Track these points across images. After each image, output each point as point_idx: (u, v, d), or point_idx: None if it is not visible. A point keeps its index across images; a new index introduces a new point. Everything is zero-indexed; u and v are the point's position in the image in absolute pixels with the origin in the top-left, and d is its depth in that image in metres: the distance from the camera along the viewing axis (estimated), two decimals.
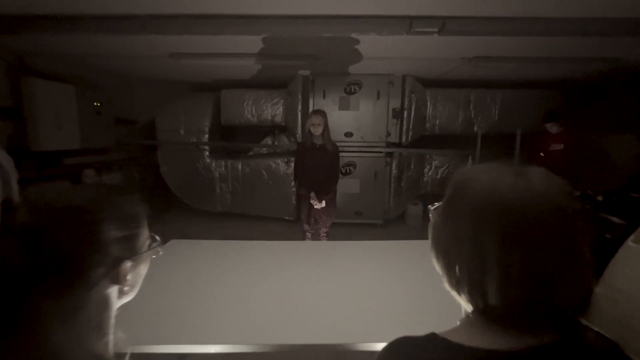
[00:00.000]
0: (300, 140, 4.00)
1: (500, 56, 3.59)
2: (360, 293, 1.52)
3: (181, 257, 1.89)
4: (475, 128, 4.89)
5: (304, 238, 3.24)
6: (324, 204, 2.98)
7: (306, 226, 3.18)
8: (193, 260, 1.85)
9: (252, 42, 3.39)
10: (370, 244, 2.17)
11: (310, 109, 4.73)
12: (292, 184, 5.01)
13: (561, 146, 3.82)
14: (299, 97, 4.85)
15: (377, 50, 3.52)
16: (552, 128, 3.89)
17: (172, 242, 2.06)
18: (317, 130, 2.90)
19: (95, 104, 4.75)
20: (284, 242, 2.18)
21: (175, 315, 1.32)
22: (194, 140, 5.23)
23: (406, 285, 1.60)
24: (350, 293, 1.52)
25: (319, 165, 2.96)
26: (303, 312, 1.35)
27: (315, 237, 3.25)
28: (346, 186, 4.77)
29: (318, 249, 2.14)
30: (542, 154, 3.95)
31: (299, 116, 4.89)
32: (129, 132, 5.58)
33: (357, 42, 3.23)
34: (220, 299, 1.45)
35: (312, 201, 2.97)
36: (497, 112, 4.82)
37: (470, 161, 4.99)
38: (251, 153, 5.63)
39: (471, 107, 4.87)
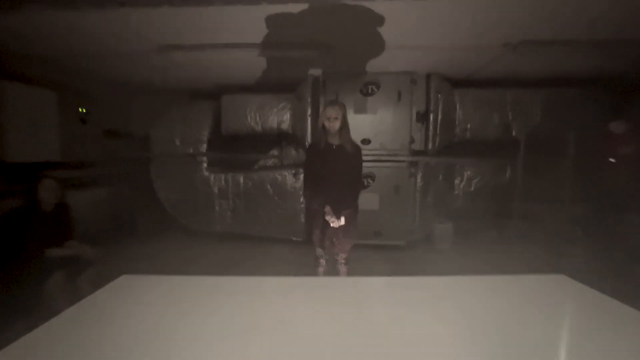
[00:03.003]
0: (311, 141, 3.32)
1: (552, 40, 2.95)
2: None
3: (128, 302, 1.21)
4: (514, 132, 4.20)
5: (316, 266, 2.53)
6: (342, 221, 2.28)
7: (319, 251, 2.47)
8: (144, 307, 1.18)
9: (255, 30, 2.85)
10: (416, 282, 1.46)
11: (320, 123, 4.14)
12: (302, 198, 4.34)
13: (633, 149, 3.10)
14: (309, 100, 4.26)
15: (402, 34, 2.92)
16: (619, 128, 3.18)
17: (123, 279, 1.39)
18: (334, 126, 2.26)
19: (80, 110, 4.24)
20: (283, 280, 1.51)
21: None
22: (191, 151, 4.65)
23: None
24: None
25: (336, 171, 2.30)
26: None
27: (331, 264, 2.53)
28: (363, 202, 4.06)
29: (336, 289, 1.44)
30: (612, 160, 3.22)
31: (309, 122, 4.29)
32: (121, 145, 5.03)
33: (381, 20, 2.63)
34: None
35: (327, 218, 2.28)
36: (539, 113, 4.14)
37: (509, 171, 4.27)
38: (256, 167, 5.02)
39: (508, 109, 4.20)
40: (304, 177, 2.46)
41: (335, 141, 2.33)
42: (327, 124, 2.27)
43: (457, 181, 4.39)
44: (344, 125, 2.30)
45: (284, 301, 1.27)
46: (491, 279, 1.44)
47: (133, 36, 2.91)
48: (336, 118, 2.25)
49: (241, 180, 4.57)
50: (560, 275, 1.44)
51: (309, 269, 2.67)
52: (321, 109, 4.22)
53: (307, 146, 2.48)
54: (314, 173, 2.35)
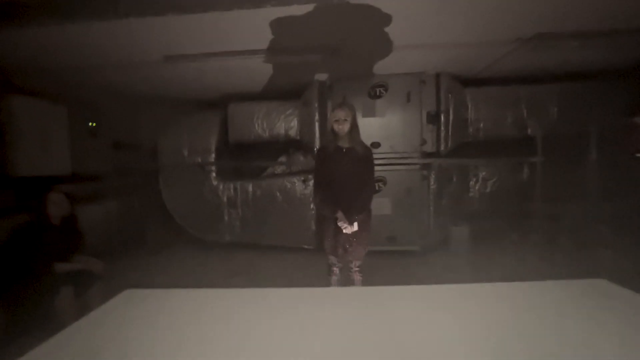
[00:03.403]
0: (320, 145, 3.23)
1: (567, 32, 2.83)
2: None
3: (132, 317, 1.14)
4: (530, 130, 4.05)
5: (330, 275, 2.42)
6: (355, 227, 2.19)
7: (332, 259, 2.37)
8: (148, 321, 1.11)
9: (259, 36, 2.81)
10: (440, 291, 1.35)
11: (329, 125, 4.08)
12: (312, 204, 4.26)
13: None
14: (316, 106, 4.21)
15: (409, 32, 2.84)
16: None
17: (127, 293, 1.32)
18: (343, 129, 2.18)
19: (90, 124, 4.27)
20: (293, 291, 1.41)
21: None
22: (199, 160, 4.63)
23: None
24: None
25: (347, 175, 2.21)
26: None
27: (345, 272, 2.43)
28: (375, 206, 3.94)
29: (351, 300, 1.34)
30: (638, 155, 3.05)
31: (317, 128, 4.23)
32: (131, 157, 5.05)
33: (388, 19, 2.56)
34: None
35: (339, 224, 2.19)
36: (556, 109, 3.98)
37: (526, 170, 4.11)
38: (265, 174, 4.96)
39: (522, 107, 4.06)
40: (314, 182, 2.37)
41: (345, 144, 2.24)
42: (336, 126, 2.19)
43: (471, 182, 4.25)
44: (354, 126, 2.22)
45: (295, 314, 1.18)
46: (524, 285, 1.32)
47: (139, 47, 2.91)
48: (345, 120, 2.17)
49: (250, 188, 4.51)
50: (600, 279, 1.31)
51: (322, 278, 2.57)
52: (329, 113, 4.16)
53: (316, 150, 2.39)
54: (324, 178, 2.26)
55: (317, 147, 4.12)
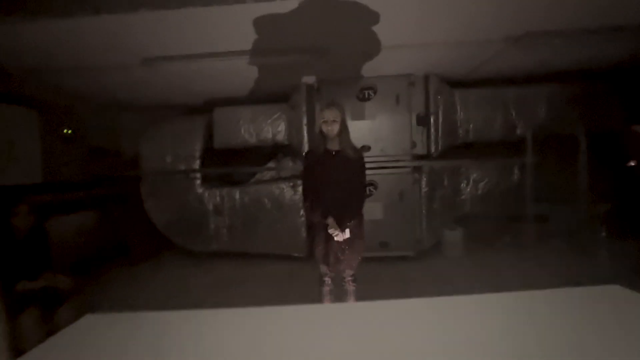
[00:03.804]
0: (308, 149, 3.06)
1: (558, 30, 2.80)
2: None
3: (91, 344, 0.98)
4: (519, 131, 4.02)
5: (321, 285, 2.28)
6: (347, 234, 2.06)
7: (324, 268, 2.23)
8: (108, 349, 0.95)
9: (243, 37, 2.69)
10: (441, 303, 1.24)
11: (317, 127, 3.97)
12: (301, 211, 4.12)
13: None
14: (304, 109, 4.10)
15: (398, 32, 2.77)
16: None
17: (87, 319, 1.15)
18: (333, 130, 2.06)
19: (65, 131, 4.04)
20: (280, 309, 1.27)
21: None
22: (183, 167, 4.44)
23: None
24: None
25: (338, 180, 2.08)
26: None
27: (337, 282, 2.29)
28: (366, 211, 3.83)
29: (345, 318, 1.21)
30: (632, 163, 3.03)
31: (305, 132, 4.11)
32: (112, 165, 4.81)
33: (376, 18, 2.48)
34: None
35: (330, 231, 2.06)
36: (544, 111, 3.97)
37: (517, 172, 4.08)
38: (252, 180, 4.80)
39: (511, 108, 4.04)
40: (303, 187, 2.24)
41: (334, 146, 2.12)
42: (325, 127, 2.07)
43: (462, 185, 4.19)
44: (344, 128, 2.11)
45: (273, 337, 1.04)
46: (537, 293, 1.22)
47: (114, 48, 2.74)
48: (334, 121, 2.05)
49: (237, 195, 4.35)
50: (614, 285, 1.22)
51: (313, 289, 2.42)
52: (317, 116, 4.05)
53: (304, 153, 2.27)
54: (314, 182, 2.13)
55: (305, 150, 4.00)
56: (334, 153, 2.12)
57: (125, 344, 1.00)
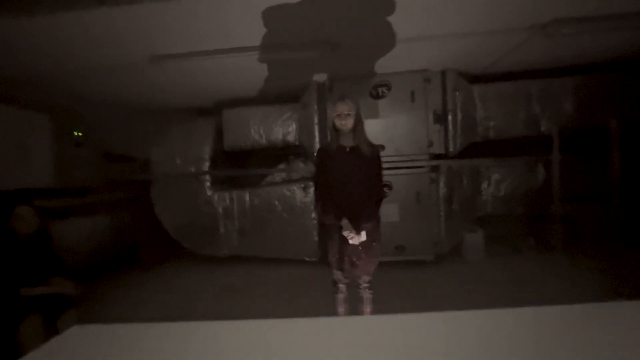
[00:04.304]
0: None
1: (589, 16, 2.59)
2: None
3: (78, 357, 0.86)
4: (543, 127, 3.79)
5: (335, 292, 2.12)
6: (363, 236, 1.90)
7: (337, 274, 2.08)
8: None
9: (252, 31, 2.59)
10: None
11: (329, 122, 3.84)
12: (313, 213, 3.98)
13: None
14: (315, 108, 3.97)
15: (414, 23, 2.61)
16: None
17: (74, 330, 1.04)
18: (347, 124, 1.92)
19: (76, 134, 4.03)
20: (284, 322, 1.13)
21: None
22: (193, 170, 4.37)
23: None
24: None
25: (352, 178, 1.93)
26: None
27: (352, 289, 2.13)
28: (381, 213, 3.67)
29: (361, 336, 1.05)
30: None
31: (316, 132, 3.98)
32: (125, 169, 4.78)
33: (391, 8, 2.33)
34: None
35: (345, 233, 1.90)
36: (571, 104, 3.73)
37: (542, 170, 3.83)
38: (263, 183, 4.70)
39: (534, 103, 3.81)
40: (315, 187, 2.09)
41: (349, 142, 1.98)
42: (338, 121, 1.93)
43: (483, 185, 3.96)
44: (359, 122, 1.96)
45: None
46: (576, 308, 1.05)
47: (120, 45, 2.67)
48: (348, 114, 1.91)
49: (247, 198, 4.24)
50: None
51: (326, 295, 2.27)
52: (328, 116, 3.91)
53: (317, 151, 2.12)
54: (327, 181, 1.99)
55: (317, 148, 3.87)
56: (348, 149, 1.97)
57: (110, 358, 0.87)
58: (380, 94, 3.85)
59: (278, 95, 4.37)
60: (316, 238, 4.00)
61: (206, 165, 4.37)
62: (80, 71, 3.04)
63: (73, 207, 3.79)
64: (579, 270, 3.23)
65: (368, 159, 1.95)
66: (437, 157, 3.85)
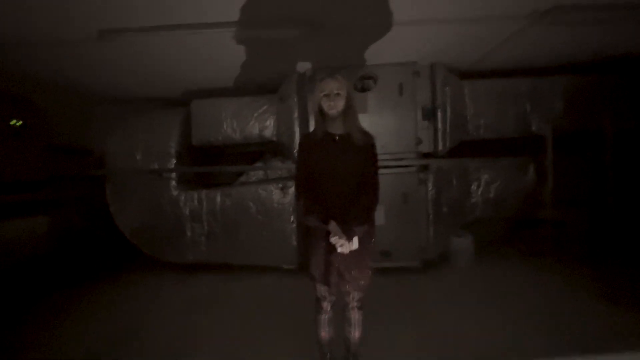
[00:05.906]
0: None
1: (591, 3, 2.40)
2: None
3: None
4: (534, 127, 3.63)
5: (318, 312, 1.75)
6: (355, 243, 1.55)
7: (322, 289, 1.70)
8: None
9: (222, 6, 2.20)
10: None
11: (310, 117, 3.49)
12: (292, 215, 3.61)
13: None
14: (295, 100, 3.61)
15: (403, 5, 2.32)
16: None
17: None
18: (336, 106, 1.56)
19: (13, 122, 3.43)
20: None
21: None
22: (156, 166, 3.87)
23: None
24: None
25: (342, 172, 1.58)
26: None
27: (338, 306, 1.77)
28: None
29: None
30: None
31: (296, 127, 3.62)
32: (77, 164, 4.18)
33: None
34: None
35: (333, 240, 1.54)
36: (562, 104, 3.60)
37: (533, 171, 3.67)
38: (236, 182, 4.27)
39: (525, 101, 3.65)
40: (296, 182, 1.71)
41: (338, 129, 1.62)
42: (325, 103, 1.57)
43: (473, 186, 3.75)
44: (349, 106, 1.61)
45: None
46: None
47: (66, 17, 2.19)
48: (338, 94, 1.56)
49: (218, 198, 3.79)
50: None
51: (307, 314, 1.90)
52: (309, 109, 3.56)
53: (300, 139, 1.75)
54: (310, 176, 1.62)
55: (299, 137, 3.51)
56: (337, 138, 1.62)
57: None
58: (366, 86, 3.55)
59: (255, 86, 3.98)
60: (294, 243, 3.62)
61: (172, 162, 3.89)
62: (18, 47, 2.50)
63: (7, 205, 3.20)
64: (570, 276, 3.07)
65: (360, 150, 1.61)
66: (425, 155, 3.60)
